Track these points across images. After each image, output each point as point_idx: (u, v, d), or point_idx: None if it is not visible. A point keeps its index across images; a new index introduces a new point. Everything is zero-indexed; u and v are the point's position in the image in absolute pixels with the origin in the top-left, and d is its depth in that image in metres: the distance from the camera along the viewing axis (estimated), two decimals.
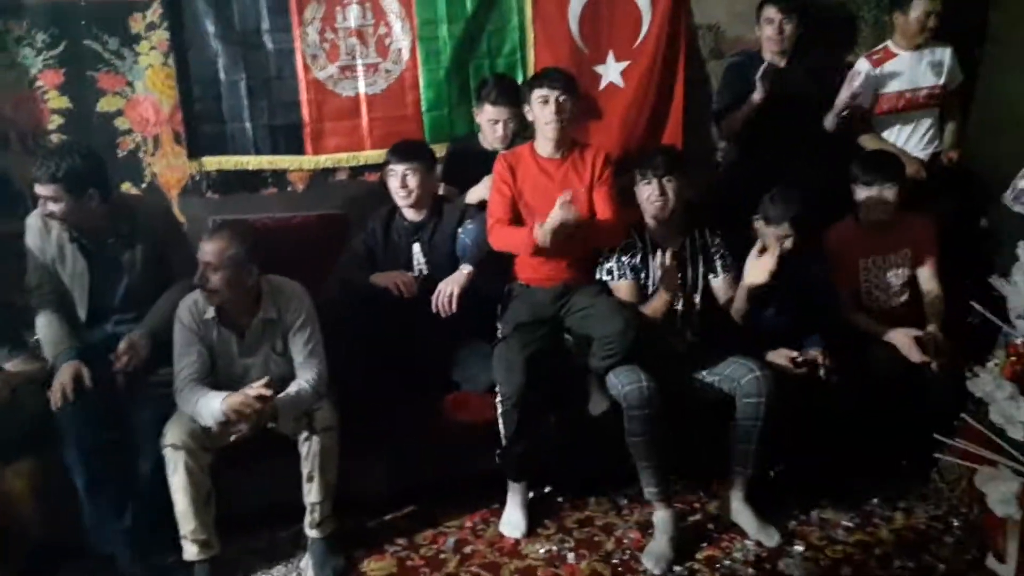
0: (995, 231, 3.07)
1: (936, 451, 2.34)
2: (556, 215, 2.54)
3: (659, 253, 2.62)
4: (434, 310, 2.73)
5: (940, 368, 2.60)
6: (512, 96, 3.04)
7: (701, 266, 2.78)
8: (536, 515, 2.65)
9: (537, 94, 2.71)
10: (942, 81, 3.34)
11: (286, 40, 3.25)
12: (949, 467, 2.44)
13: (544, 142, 2.76)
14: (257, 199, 3.34)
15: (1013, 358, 2.22)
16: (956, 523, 2.51)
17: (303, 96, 3.30)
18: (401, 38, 3.33)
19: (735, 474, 2.59)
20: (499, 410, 2.57)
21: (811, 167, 3.15)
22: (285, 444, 2.40)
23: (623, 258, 2.75)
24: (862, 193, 2.91)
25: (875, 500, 2.70)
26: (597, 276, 2.78)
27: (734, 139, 3.44)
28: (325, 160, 3.36)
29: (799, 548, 2.47)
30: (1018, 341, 2.16)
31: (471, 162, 3.10)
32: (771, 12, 3.28)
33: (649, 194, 2.70)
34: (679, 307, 2.73)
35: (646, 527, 2.56)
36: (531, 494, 2.70)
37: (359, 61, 3.32)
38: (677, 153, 2.91)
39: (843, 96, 3.19)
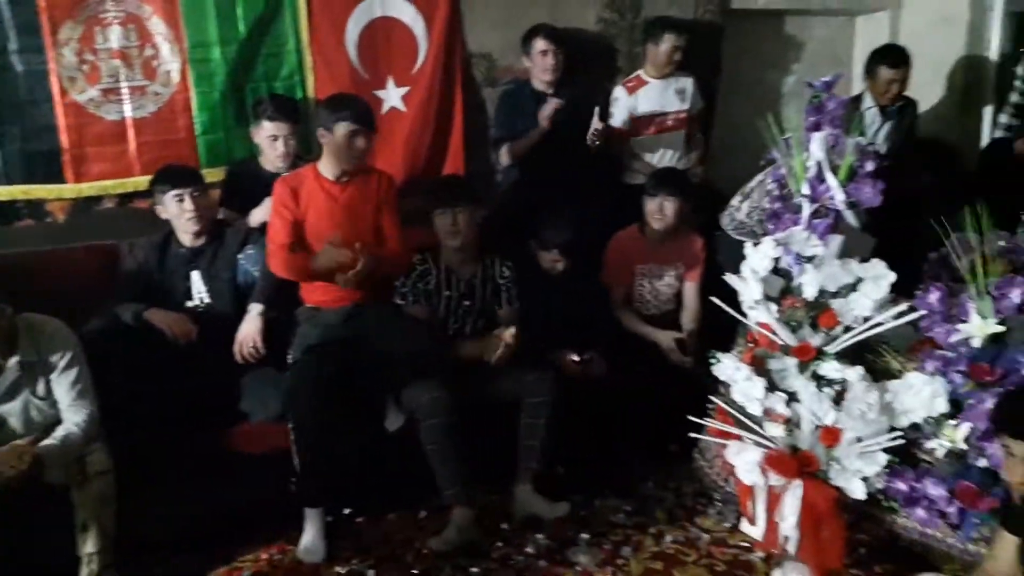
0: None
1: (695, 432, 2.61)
2: (323, 259, 2.57)
3: (453, 279, 2.74)
4: (239, 360, 2.67)
5: (694, 363, 2.93)
6: (290, 112, 3.04)
7: (488, 295, 2.92)
8: (335, 538, 2.64)
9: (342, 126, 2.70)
10: (687, 106, 3.77)
11: (38, 61, 3.04)
12: (707, 446, 2.72)
13: (330, 165, 2.77)
14: (11, 232, 3.08)
15: (750, 344, 2.54)
16: (716, 496, 2.80)
17: (61, 120, 3.09)
18: (170, 60, 3.21)
19: (523, 469, 2.74)
20: (293, 438, 2.55)
21: (584, 189, 3.45)
22: (55, 494, 2.23)
23: (418, 284, 2.84)
24: (647, 204, 3.19)
25: (650, 484, 2.96)
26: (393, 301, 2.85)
27: (516, 164, 3.65)
28: (88, 188, 3.16)
29: (585, 536, 2.65)
30: (752, 329, 2.46)
31: (252, 185, 3.05)
32: (542, 44, 3.52)
33: (444, 224, 2.80)
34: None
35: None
36: (329, 517, 2.68)
37: (124, 83, 3.16)
38: (465, 182, 3.05)
39: (593, 129, 3.45)
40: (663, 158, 3.77)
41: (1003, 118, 3.80)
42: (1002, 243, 2.14)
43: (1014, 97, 3.76)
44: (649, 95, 3.72)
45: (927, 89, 3.92)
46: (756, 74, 4.26)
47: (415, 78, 3.59)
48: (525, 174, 3.60)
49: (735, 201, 2.92)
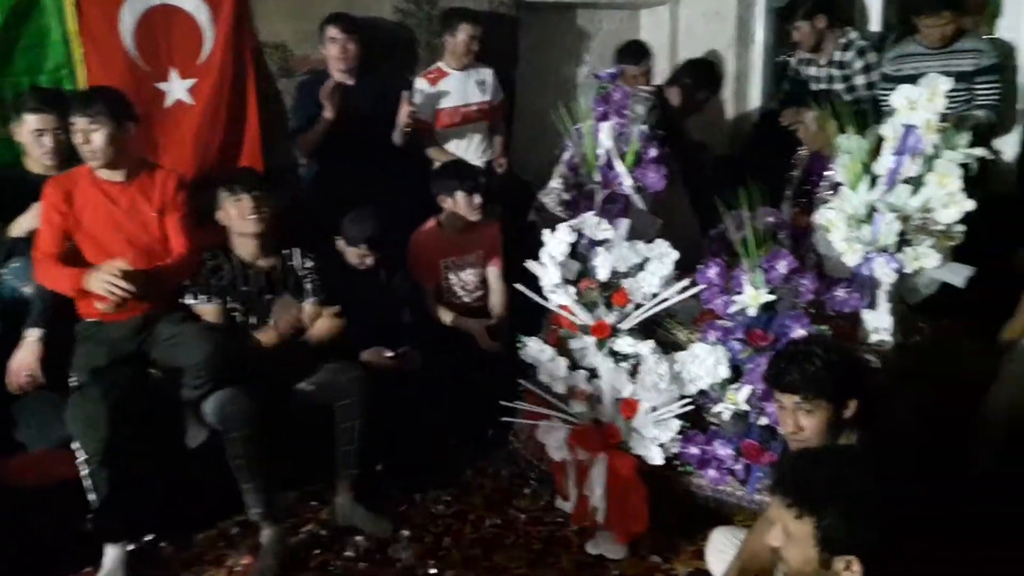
0: (540, 224, 3.60)
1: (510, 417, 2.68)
2: (95, 283, 2.37)
3: (250, 273, 2.60)
4: (13, 391, 2.39)
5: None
6: (55, 103, 2.74)
7: (291, 288, 2.78)
8: (137, 567, 2.45)
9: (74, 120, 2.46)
10: (488, 97, 3.82)
11: None
12: (521, 428, 2.80)
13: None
14: None
15: (554, 327, 2.63)
16: (532, 476, 2.89)
17: None
18: None
19: (342, 477, 2.67)
20: (85, 471, 2.33)
21: (388, 181, 3.41)
22: None
23: (210, 280, 2.67)
24: (447, 199, 3.19)
25: (468, 472, 3.00)
26: (181, 300, 2.66)
27: (312, 156, 3.54)
28: None
29: (406, 532, 2.64)
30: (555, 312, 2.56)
31: (16, 190, 2.73)
32: (333, 32, 3.44)
33: (240, 210, 2.65)
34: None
35: (259, 548, 2.53)
36: (130, 546, 2.48)
37: None
38: (259, 172, 2.91)
39: (403, 113, 3.46)
40: (468, 150, 3.81)
41: (773, 104, 4.16)
42: (770, 219, 2.34)
43: (785, 85, 4.13)
44: (451, 86, 3.74)
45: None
46: (552, 66, 4.39)
47: (202, 69, 3.37)
48: (328, 168, 3.51)
49: (555, 183, 2.98)
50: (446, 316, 3.22)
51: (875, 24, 4.12)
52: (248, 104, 3.47)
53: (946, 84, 2.06)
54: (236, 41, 3.41)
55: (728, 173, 3.61)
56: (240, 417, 2.42)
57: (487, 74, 3.83)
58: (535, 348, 2.47)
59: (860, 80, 3.74)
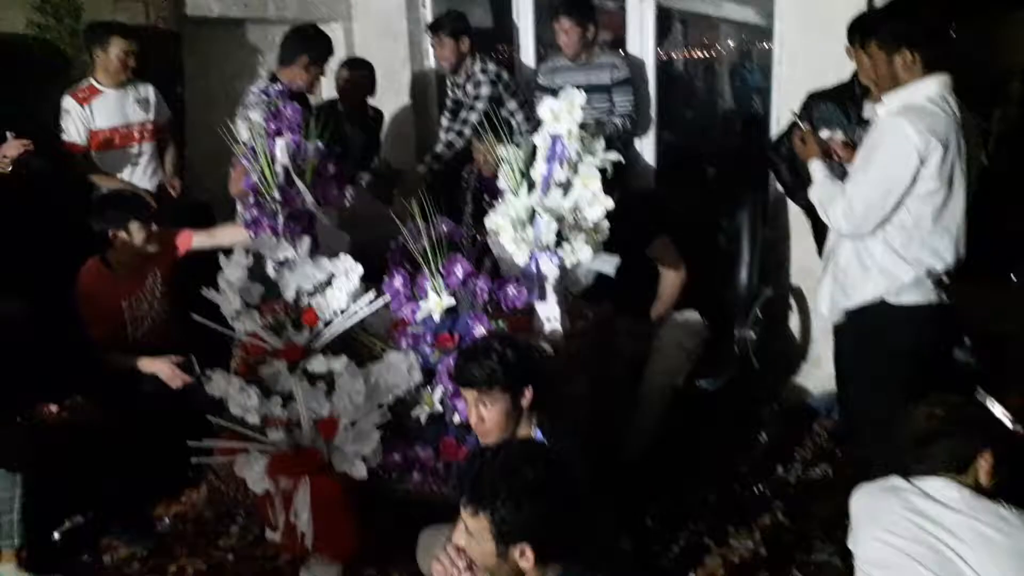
0: None
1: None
2: None
3: None
4: None
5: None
6: None
7: None
8: None
9: None
10: (152, 116, 3.56)
11: None
12: (219, 465, 2.64)
13: None
14: None
15: (243, 355, 2.52)
16: (238, 512, 2.74)
17: None
18: None
19: (3, 547, 2.35)
20: None
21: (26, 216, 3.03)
22: None
23: None
24: (118, 232, 2.89)
25: (166, 520, 2.77)
26: None
27: None
28: None
29: None
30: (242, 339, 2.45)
31: None
32: None
33: None
34: None
35: None
36: None
37: None
38: None
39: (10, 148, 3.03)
40: (134, 173, 3.52)
41: (444, 120, 4.27)
42: (444, 227, 2.45)
43: (448, 103, 4.28)
44: (106, 106, 3.43)
45: (385, 96, 4.31)
46: (225, 82, 4.20)
47: None
48: None
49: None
50: (123, 360, 2.92)
51: (530, 47, 4.43)
52: None
53: (580, 98, 2.32)
54: None
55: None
56: None
57: (148, 91, 3.57)
58: (221, 381, 2.34)
59: (482, 106, 3.77)
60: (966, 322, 2.59)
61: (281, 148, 2.66)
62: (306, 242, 2.51)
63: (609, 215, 2.40)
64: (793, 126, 2.84)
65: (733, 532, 2.59)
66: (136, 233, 2.91)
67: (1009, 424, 1.83)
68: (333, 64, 3.89)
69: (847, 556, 1.91)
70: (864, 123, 2.86)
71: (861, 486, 1.88)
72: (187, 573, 2.51)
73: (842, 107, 3.02)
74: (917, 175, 2.24)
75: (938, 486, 1.72)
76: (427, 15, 4.53)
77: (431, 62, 4.58)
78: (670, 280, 3.09)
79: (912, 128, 2.22)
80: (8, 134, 3.00)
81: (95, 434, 2.64)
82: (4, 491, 2.30)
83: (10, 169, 3.01)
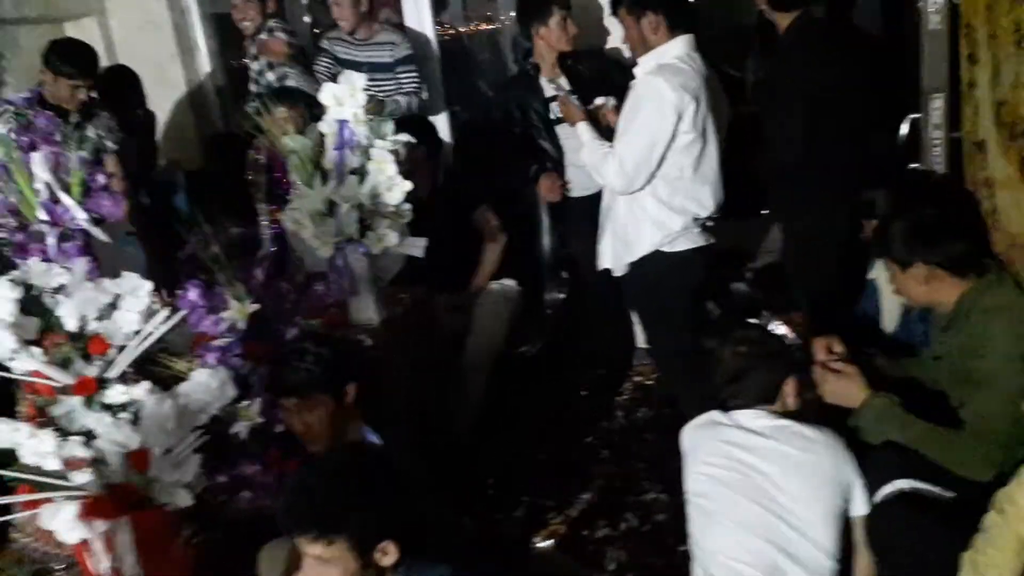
0: None
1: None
2: None
3: None
4: None
5: None
6: None
7: None
8: None
9: None
10: None
11: None
12: (22, 522, 2.39)
13: None
14: None
15: (29, 396, 2.28)
16: (58, 566, 2.50)
17: None
18: None
19: None
20: None
21: None
22: None
23: None
24: None
25: None
26: None
27: None
28: None
29: None
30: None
31: None
32: None
33: None
34: None
35: None
36: None
37: None
38: None
39: None
40: None
41: (250, 107, 4.03)
42: (237, 230, 2.33)
43: (253, 87, 4.02)
44: None
45: (155, 92, 4.01)
46: None
47: None
48: None
49: None
50: None
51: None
52: None
53: (361, 80, 2.27)
54: None
55: (203, 189, 3.52)
56: None
57: None
58: (6, 430, 2.10)
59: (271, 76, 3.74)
60: (740, 258, 2.85)
61: (39, 163, 2.41)
62: (82, 263, 2.29)
63: (432, 189, 2.38)
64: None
65: (568, 488, 2.71)
66: None
67: (791, 337, 1.99)
68: None
69: (674, 492, 2.05)
70: None
71: (688, 424, 2.01)
72: None
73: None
74: (676, 129, 2.42)
75: (749, 416, 1.87)
76: (191, 4, 4.24)
77: (203, 52, 4.31)
78: (490, 250, 3.13)
79: (667, 85, 2.40)
80: None
81: None
82: None
83: None
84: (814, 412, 1.97)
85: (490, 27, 5.78)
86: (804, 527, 1.76)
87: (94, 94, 3.22)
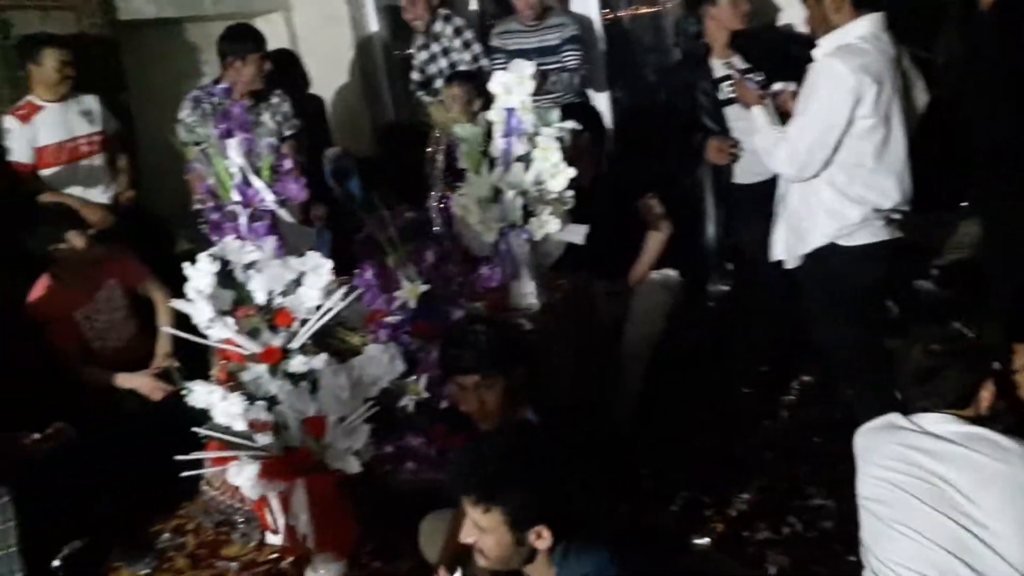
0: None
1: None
2: None
3: None
4: None
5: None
6: None
7: None
8: None
9: None
10: (98, 128, 3.47)
11: None
12: (214, 476, 2.62)
13: None
14: None
15: (223, 362, 2.49)
16: (239, 519, 2.72)
17: None
18: None
19: None
20: None
21: None
22: None
23: None
24: (58, 245, 2.83)
25: (166, 535, 2.75)
26: None
27: None
28: None
29: None
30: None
31: None
32: None
33: None
34: None
35: None
36: None
37: None
38: None
39: None
40: (86, 189, 3.43)
41: (423, 97, 4.17)
42: (410, 214, 2.42)
43: (415, 75, 4.20)
44: (49, 121, 3.33)
45: (331, 81, 4.24)
46: (169, 85, 4.10)
47: None
48: None
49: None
50: (99, 376, 2.89)
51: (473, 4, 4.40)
52: None
53: (529, 68, 2.29)
54: None
55: (373, 175, 3.70)
56: None
57: (92, 102, 3.47)
58: (203, 392, 2.31)
59: (462, 57, 3.92)
60: (928, 254, 2.65)
61: (234, 148, 2.61)
62: (271, 242, 2.46)
63: (595, 175, 2.38)
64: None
65: (728, 486, 2.63)
66: (76, 241, 2.86)
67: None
68: None
69: (843, 499, 1.94)
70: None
71: (861, 426, 1.90)
72: None
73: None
74: (854, 113, 2.27)
75: (935, 419, 1.73)
76: None
77: (377, 44, 4.51)
78: (653, 239, 3.09)
79: (845, 67, 2.25)
80: None
81: (81, 457, 2.61)
82: None
83: None
84: (1009, 420, 1.80)
85: (652, 9, 5.69)
86: (995, 541, 1.62)
87: (269, 66, 3.43)
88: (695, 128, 3.12)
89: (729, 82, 3.03)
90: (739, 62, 2.85)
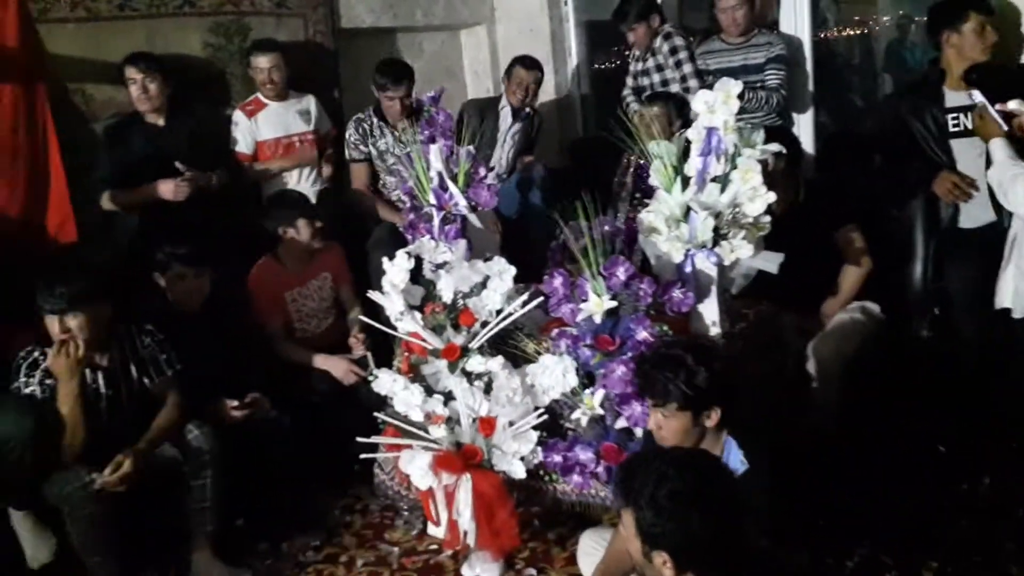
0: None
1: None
2: None
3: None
4: None
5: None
6: None
7: (138, 375, 2.60)
8: None
9: None
10: (311, 127, 3.75)
11: None
12: (385, 460, 2.75)
13: None
14: None
15: (407, 354, 2.60)
16: (402, 506, 2.84)
17: None
18: None
19: (197, 536, 2.54)
20: None
21: (213, 220, 3.27)
22: None
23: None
24: (287, 229, 3.11)
25: (337, 511, 2.91)
26: None
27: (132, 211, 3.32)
28: None
29: None
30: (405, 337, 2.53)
31: None
32: (131, 72, 3.27)
33: (53, 332, 2.39)
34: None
35: None
36: None
37: None
38: (84, 282, 2.45)
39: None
40: (299, 181, 3.72)
41: (633, 104, 4.11)
42: (607, 227, 2.42)
43: (629, 81, 4.10)
44: (270, 118, 3.65)
45: None
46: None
47: None
48: (147, 216, 3.31)
49: None
50: (299, 354, 3.13)
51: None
52: (50, 154, 3.20)
53: (736, 87, 2.21)
54: (25, 85, 3.13)
55: (563, 185, 3.73)
56: (78, 497, 2.29)
57: (310, 103, 3.76)
58: (387, 379, 2.43)
59: (673, 75, 3.85)
60: None
61: (435, 153, 2.73)
62: (462, 245, 2.56)
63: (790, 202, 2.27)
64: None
65: (912, 549, 2.39)
66: (303, 229, 3.13)
67: None
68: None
69: None
70: None
71: None
72: (356, 564, 2.62)
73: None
74: None
75: None
76: (569, 12, 4.52)
77: (573, 59, 4.57)
78: (851, 274, 2.90)
79: None
80: (177, 165, 3.25)
81: (269, 429, 2.82)
82: (198, 479, 2.50)
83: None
84: None
85: (860, 31, 5.38)
86: None
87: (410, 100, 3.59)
88: (913, 158, 2.90)
89: (953, 114, 2.82)
90: (979, 95, 2.63)
